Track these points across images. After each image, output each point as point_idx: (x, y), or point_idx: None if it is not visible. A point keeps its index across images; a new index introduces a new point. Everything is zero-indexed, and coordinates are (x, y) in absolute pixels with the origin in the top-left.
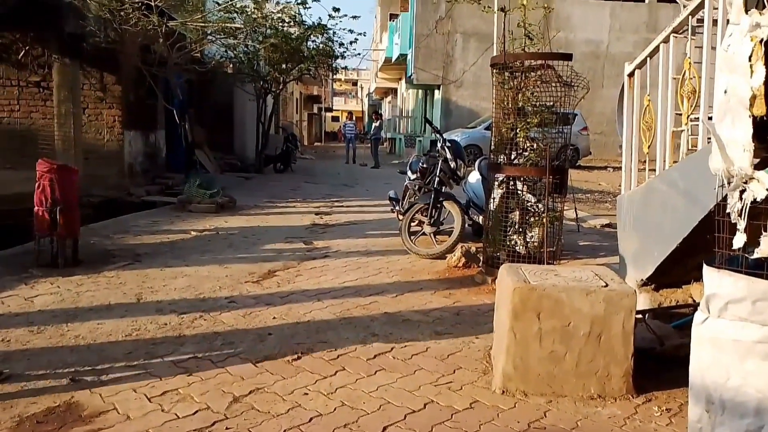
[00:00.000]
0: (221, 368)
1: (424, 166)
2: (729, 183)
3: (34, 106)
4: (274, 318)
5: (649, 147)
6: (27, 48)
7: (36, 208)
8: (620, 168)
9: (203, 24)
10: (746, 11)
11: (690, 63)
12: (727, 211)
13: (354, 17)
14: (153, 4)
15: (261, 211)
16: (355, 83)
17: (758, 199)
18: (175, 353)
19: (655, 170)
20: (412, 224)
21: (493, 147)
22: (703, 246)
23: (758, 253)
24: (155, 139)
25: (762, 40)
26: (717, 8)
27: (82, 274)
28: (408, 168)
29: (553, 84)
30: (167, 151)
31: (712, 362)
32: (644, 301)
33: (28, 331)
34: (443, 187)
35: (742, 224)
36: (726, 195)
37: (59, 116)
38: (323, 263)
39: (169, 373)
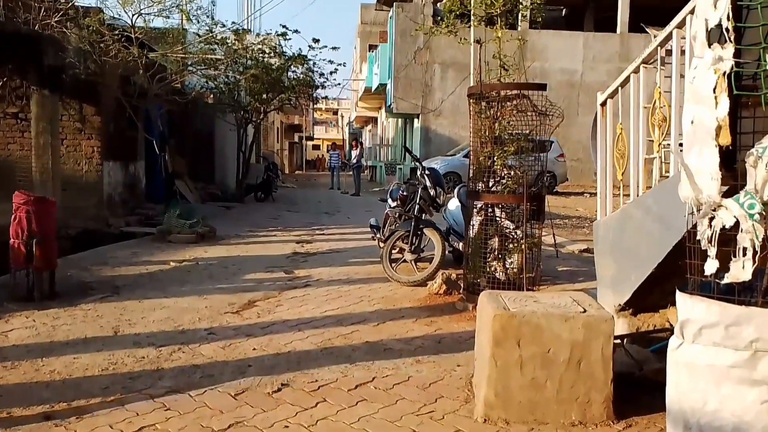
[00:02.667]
0: (200, 402)
1: (404, 193)
2: (698, 210)
3: (11, 138)
4: (254, 349)
5: (623, 174)
6: (5, 80)
7: (12, 240)
8: (597, 194)
9: (184, 55)
10: (709, 45)
11: (660, 92)
12: (698, 237)
13: (334, 48)
14: (133, 36)
15: (241, 241)
16: (335, 112)
17: (727, 226)
18: (152, 387)
19: (629, 195)
20: (393, 252)
21: (471, 175)
22: (678, 270)
23: (728, 278)
24: (135, 170)
25: (725, 72)
26: (684, 38)
27: (59, 307)
28: (388, 196)
29: (529, 113)
30: (147, 182)
31: (689, 387)
32: (622, 325)
33: (2, 367)
34: (423, 215)
35: (712, 251)
36: (696, 222)
37: (37, 148)
38: (304, 293)
39: (147, 408)
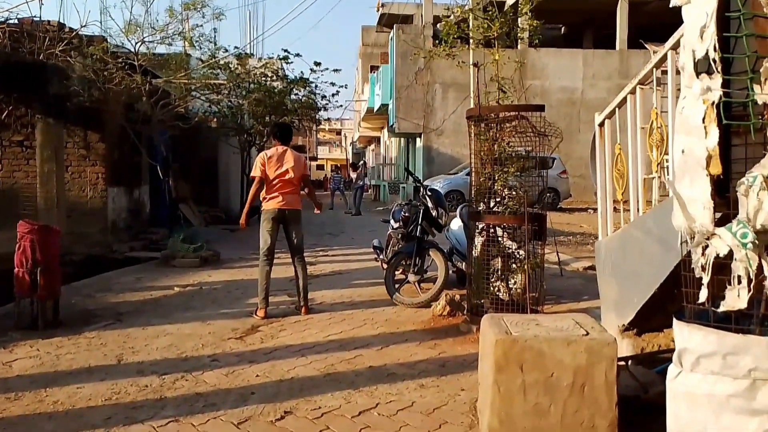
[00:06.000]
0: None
1: (407, 214)
2: (692, 239)
3: (17, 166)
4: (257, 376)
5: (623, 194)
6: (10, 108)
7: (16, 269)
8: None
9: (187, 81)
10: (697, 76)
11: (657, 113)
12: (692, 266)
13: (335, 70)
14: (137, 63)
15: (245, 264)
16: (339, 132)
17: (721, 255)
18: (155, 417)
19: (629, 210)
20: (396, 273)
21: (472, 196)
22: (680, 291)
23: (724, 307)
24: (139, 195)
25: (713, 102)
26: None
27: (63, 335)
28: (391, 217)
29: (528, 134)
30: (151, 207)
31: (689, 417)
32: (627, 346)
33: (5, 398)
34: (426, 236)
35: (705, 279)
36: (690, 250)
37: (42, 175)
38: (307, 316)
39: None
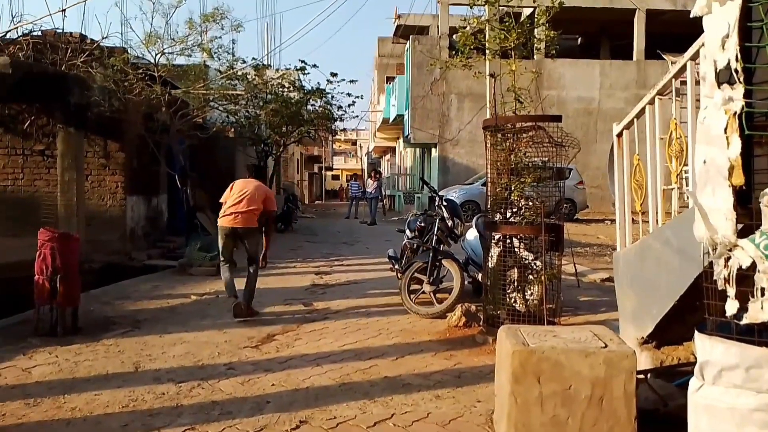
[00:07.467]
0: None
1: (422, 224)
2: (714, 250)
3: (38, 174)
4: (273, 385)
5: (641, 205)
6: (32, 118)
7: (36, 276)
8: (616, 224)
9: (205, 92)
10: (719, 86)
11: (676, 123)
12: (714, 278)
13: (351, 81)
14: (156, 74)
15: (261, 272)
16: (354, 143)
17: (743, 267)
18: (172, 425)
19: (648, 222)
20: (412, 283)
21: (488, 206)
22: (701, 303)
23: (747, 319)
24: (157, 204)
25: (735, 112)
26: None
27: (81, 342)
28: (406, 227)
29: (545, 144)
30: (169, 215)
31: (710, 431)
32: (646, 359)
33: (24, 404)
34: (441, 246)
35: (731, 291)
36: (712, 261)
37: (62, 184)
38: (323, 325)
39: None
